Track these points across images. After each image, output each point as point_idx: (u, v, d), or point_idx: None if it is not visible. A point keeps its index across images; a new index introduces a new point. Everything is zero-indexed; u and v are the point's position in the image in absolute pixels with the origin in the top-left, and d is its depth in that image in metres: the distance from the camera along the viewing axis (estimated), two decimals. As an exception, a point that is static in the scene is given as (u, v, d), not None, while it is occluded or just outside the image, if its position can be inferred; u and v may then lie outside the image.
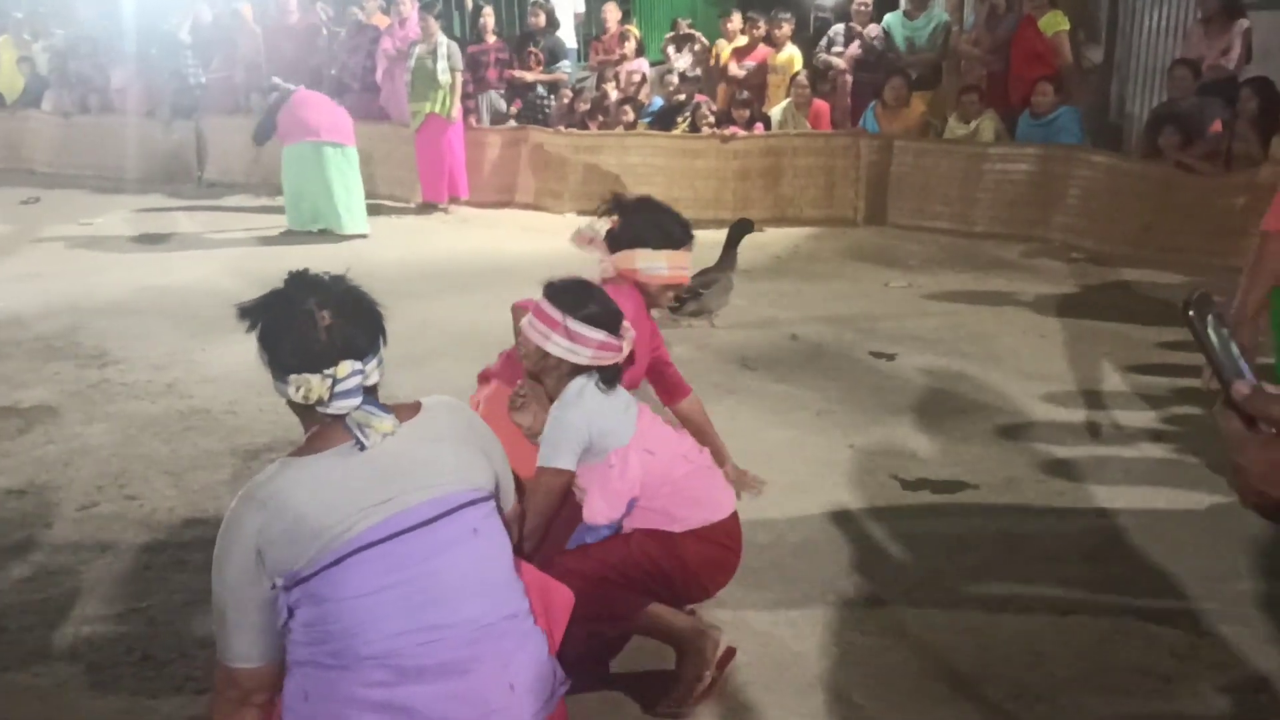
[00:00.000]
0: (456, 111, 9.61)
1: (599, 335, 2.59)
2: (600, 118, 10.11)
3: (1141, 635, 2.91)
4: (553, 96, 10.74)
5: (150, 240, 8.75)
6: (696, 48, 10.76)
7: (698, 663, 2.58)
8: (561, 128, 10.09)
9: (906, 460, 4.09)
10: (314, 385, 1.88)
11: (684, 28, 11.19)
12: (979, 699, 2.65)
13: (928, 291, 6.75)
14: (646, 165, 9.49)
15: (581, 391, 2.60)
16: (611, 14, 11.03)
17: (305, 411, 1.94)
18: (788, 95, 9.58)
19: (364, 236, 8.74)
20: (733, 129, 9.28)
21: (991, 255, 7.76)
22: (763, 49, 10.20)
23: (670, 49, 11.00)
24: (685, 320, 5.82)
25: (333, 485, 1.85)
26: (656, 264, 3.10)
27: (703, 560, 2.69)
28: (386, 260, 7.85)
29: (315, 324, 1.89)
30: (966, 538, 3.49)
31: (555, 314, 2.58)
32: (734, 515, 2.78)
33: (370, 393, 1.95)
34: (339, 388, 1.88)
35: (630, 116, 9.83)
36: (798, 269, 7.56)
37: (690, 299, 5.72)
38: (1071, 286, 6.84)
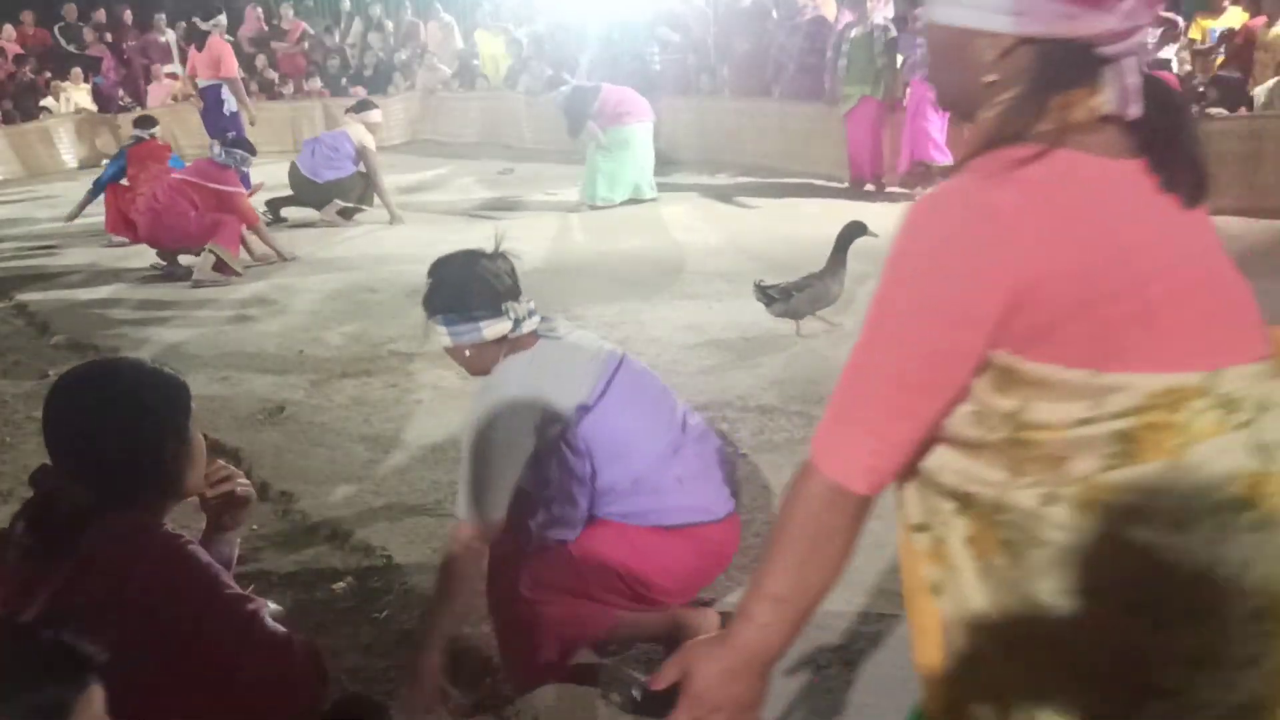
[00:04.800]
0: (897, 92, 9.57)
1: None
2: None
3: None
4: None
5: (603, 210, 9.49)
6: (1165, 24, 9.88)
7: None
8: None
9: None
10: (520, 309, 2.50)
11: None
12: None
13: None
14: (1101, 148, 8.90)
15: None
16: None
17: (494, 346, 2.51)
18: (1278, 74, 8.56)
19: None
20: (1205, 108, 8.46)
21: None
22: (1250, 23, 9.20)
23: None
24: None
25: (561, 361, 2.51)
26: None
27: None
28: (818, 237, 7.98)
29: (501, 272, 2.53)
30: None
31: None
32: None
33: None
34: (532, 307, 2.55)
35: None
36: (1276, 264, 6.75)
37: (780, 299, 5.37)
38: None
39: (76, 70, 15.30)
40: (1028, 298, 1.17)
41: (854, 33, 9.49)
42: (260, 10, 16.25)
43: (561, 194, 10.21)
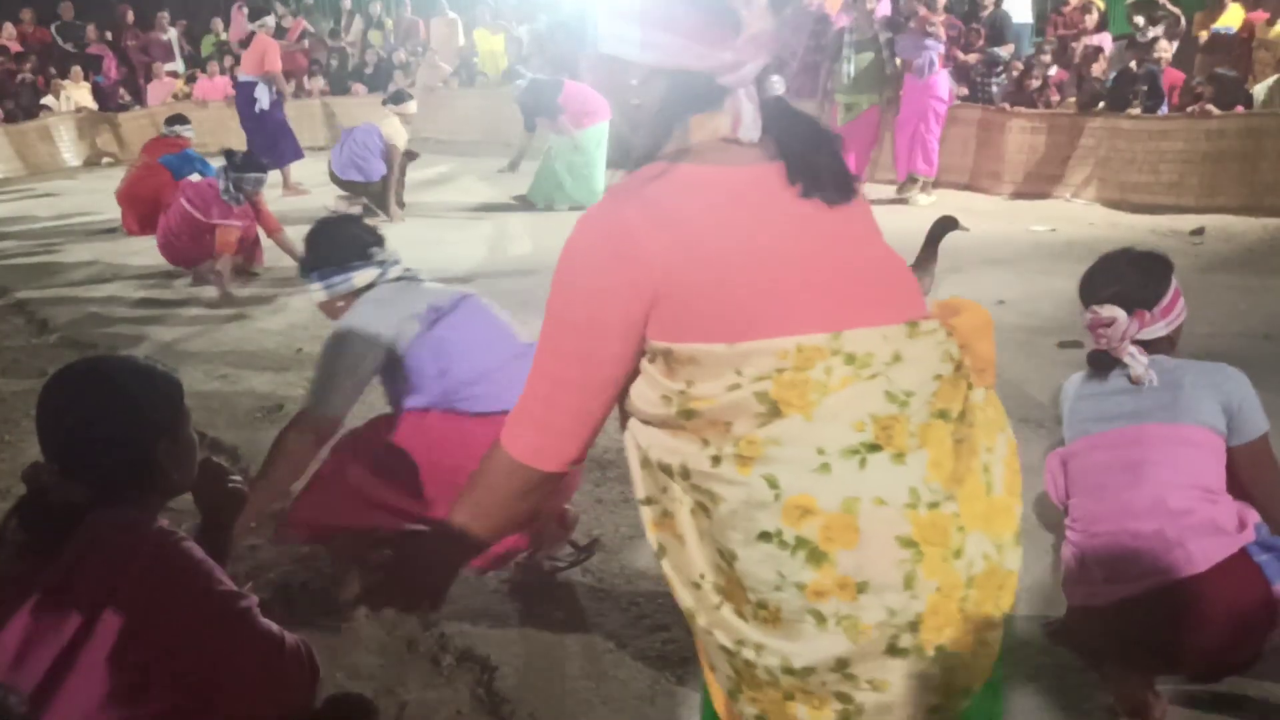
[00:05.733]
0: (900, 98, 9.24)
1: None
2: (1056, 96, 9.59)
3: None
4: (1000, 72, 10.34)
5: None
6: (1168, 17, 9.85)
7: None
8: (1007, 106, 9.69)
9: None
10: (386, 254, 2.89)
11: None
12: None
13: None
14: (1103, 146, 8.89)
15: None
16: None
17: (353, 295, 2.86)
18: (1278, 71, 8.56)
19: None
20: (1205, 107, 8.45)
21: None
22: (1251, 16, 9.20)
23: (1139, 19, 10.17)
24: None
25: (417, 287, 2.88)
26: None
27: None
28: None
29: (366, 230, 2.94)
30: None
31: None
32: None
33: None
34: (397, 258, 2.93)
35: (1083, 96, 9.24)
36: (1274, 263, 6.76)
37: None
38: None
39: (76, 68, 15.29)
40: (661, 296, 1.40)
41: (855, 37, 9.10)
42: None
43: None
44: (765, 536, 1.39)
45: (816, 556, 1.38)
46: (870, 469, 1.37)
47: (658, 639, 2.85)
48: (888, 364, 1.40)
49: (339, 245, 2.87)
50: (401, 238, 8.35)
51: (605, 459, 4.00)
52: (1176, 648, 2.27)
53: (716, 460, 1.41)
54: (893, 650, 1.39)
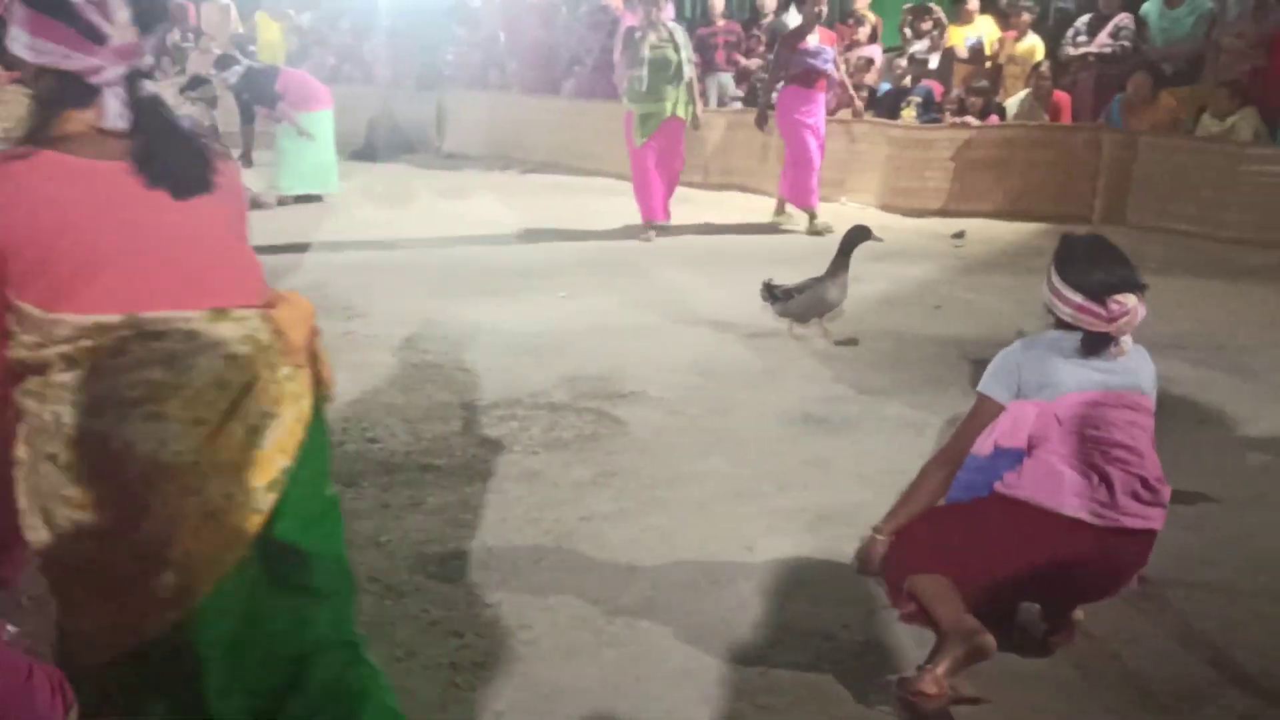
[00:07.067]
0: (701, 113, 8.25)
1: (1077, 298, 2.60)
2: (833, 104, 9.99)
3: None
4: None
5: (392, 206, 9.27)
6: (934, 30, 10.42)
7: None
8: (786, 112, 10.00)
9: (1140, 468, 3.90)
10: None
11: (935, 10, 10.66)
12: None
13: (1169, 296, 6.36)
14: (873, 153, 9.34)
15: (1052, 342, 2.67)
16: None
17: None
18: (1027, 85, 9.24)
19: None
20: (965, 119, 9.02)
21: (1243, 262, 7.28)
22: (1001, 37, 9.89)
23: (907, 30, 10.73)
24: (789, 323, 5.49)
25: None
26: None
27: None
28: (607, 235, 8.07)
29: None
30: (1207, 552, 3.31)
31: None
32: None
33: None
34: None
35: (860, 104, 9.67)
36: (1026, 264, 7.28)
37: (781, 299, 5.43)
38: (1335, 300, 6.32)
39: None
40: (5, 256, 1.69)
41: (651, 38, 7.74)
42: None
43: (345, 187, 9.89)
44: (49, 458, 1.73)
45: (79, 479, 1.72)
46: (131, 420, 1.71)
47: (450, 645, 2.79)
48: (180, 342, 1.73)
49: None
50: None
51: (393, 463, 3.90)
52: (1106, 582, 2.64)
53: (28, 395, 1.74)
54: (133, 556, 1.74)
